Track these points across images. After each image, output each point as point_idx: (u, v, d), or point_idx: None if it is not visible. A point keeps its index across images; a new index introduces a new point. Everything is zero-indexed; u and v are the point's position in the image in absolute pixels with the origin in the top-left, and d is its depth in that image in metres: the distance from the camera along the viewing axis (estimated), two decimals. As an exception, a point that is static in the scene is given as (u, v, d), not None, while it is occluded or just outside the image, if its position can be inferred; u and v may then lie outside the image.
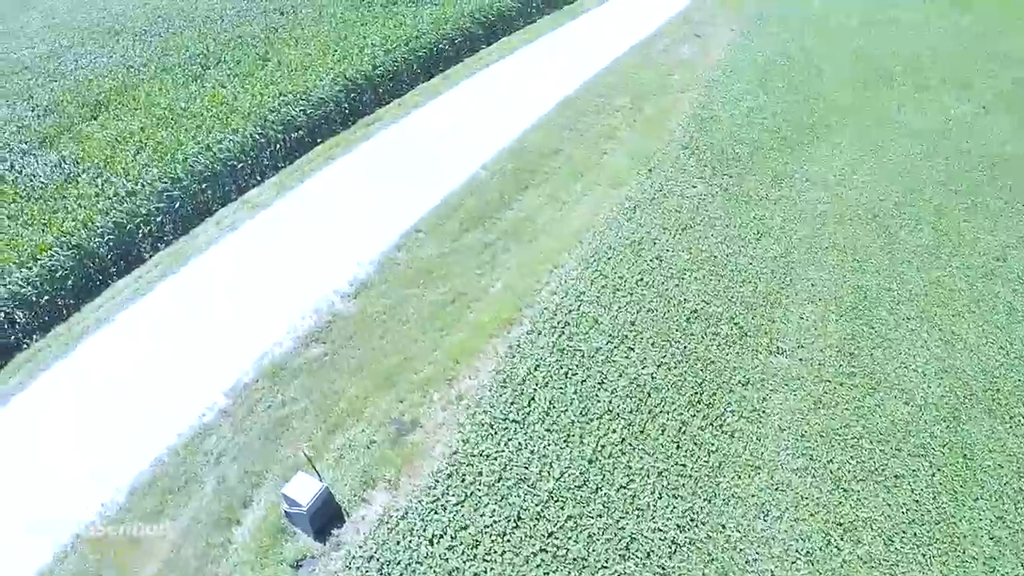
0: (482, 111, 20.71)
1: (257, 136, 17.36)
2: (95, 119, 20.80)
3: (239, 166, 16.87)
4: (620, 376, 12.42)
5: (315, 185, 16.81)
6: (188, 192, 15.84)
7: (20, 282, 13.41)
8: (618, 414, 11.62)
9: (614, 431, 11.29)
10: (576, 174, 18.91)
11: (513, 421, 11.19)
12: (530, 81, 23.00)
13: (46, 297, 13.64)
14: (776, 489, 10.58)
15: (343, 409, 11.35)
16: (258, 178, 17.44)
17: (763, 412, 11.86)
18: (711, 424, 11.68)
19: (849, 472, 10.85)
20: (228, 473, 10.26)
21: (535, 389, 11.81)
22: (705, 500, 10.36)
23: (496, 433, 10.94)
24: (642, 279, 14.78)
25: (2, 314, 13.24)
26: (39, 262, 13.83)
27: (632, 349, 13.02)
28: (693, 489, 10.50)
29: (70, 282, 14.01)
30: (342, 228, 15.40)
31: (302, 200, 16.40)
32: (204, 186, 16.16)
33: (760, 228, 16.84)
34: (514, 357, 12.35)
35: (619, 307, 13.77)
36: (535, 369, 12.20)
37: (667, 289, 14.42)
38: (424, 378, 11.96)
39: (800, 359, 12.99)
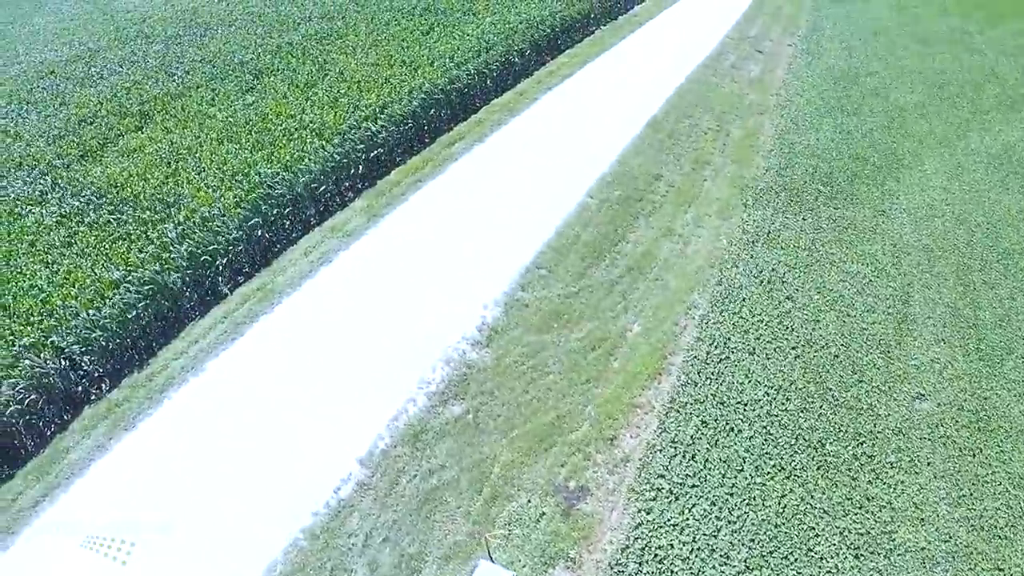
0: (569, 131, 19.25)
1: (338, 155, 15.64)
2: (140, 130, 18.93)
3: (320, 188, 15.11)
4: (783, 429, 11.13)
5: (409, 211, 15.13)
6: (267, 218, 14.05)
7: (88, 324, 11.51)
8: (792, 472, 10.40)
9: (791, 491, 10.10)
10: (682, 203, 17.65)
11: (692, 485, 9.87)
12: (609, 98, 21.62)
13: (117, 340, 11.75)
14: (943, 541, 9.65)
15: (499, 476, 9.75)
16: (338, 201, 15.70)
17: (918, 461, 10.79)
18: (878, 477, 10.56)
19: (1003, 519, 10.00)
20: (380, 559, 8.55)
21: (707, 448, 10.49)
22: (884, 557, 9.37)
23: (678, 499, 9.65)
24: (780, 322, 13.46)
25: (67, 360, 11.34)
26: (108, 300, 11.94)
27: (788, 399, 11.71)
28: (873, 547, 9.50)
29: (144, 322, 12.13)
30: (452, 263, 13.73)
31: (398, 228, 14.70)
32: (285, 211, 14.39)
33: (875, 265, 15.93)
34: (676, 413, 10.96)
35: (767, 354, 12.45)
36: (703, 426, 10.80)
37: (807, 332, 13.19)
38: (581, 437, 10.50)
39: (939, 404, 11.93)
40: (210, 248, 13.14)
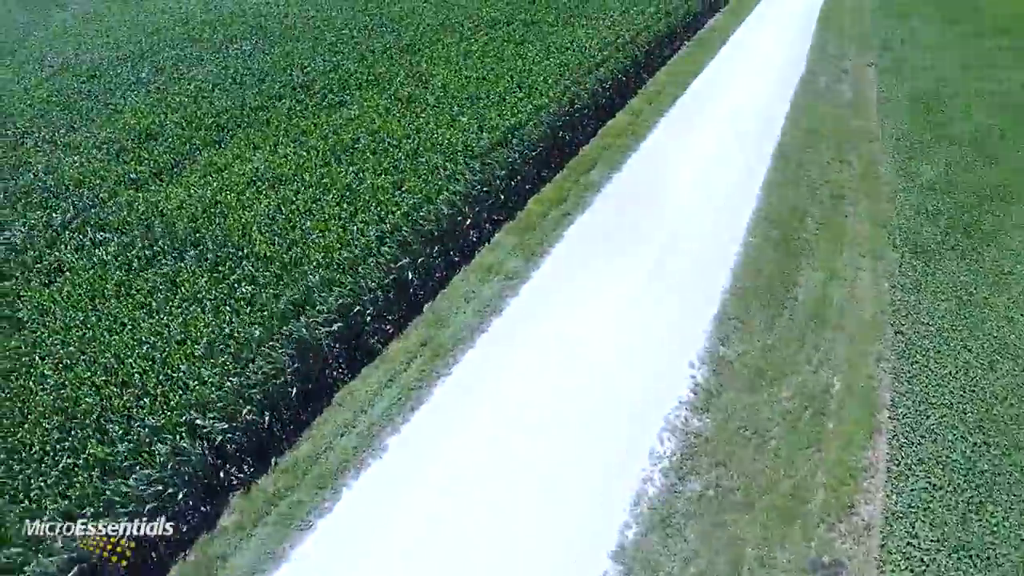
0: (699, 159, 17.44)
1: (478, 182, 13.57)
2: (218, 145, 16.60)
3: (465, 221, 13.01)
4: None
5: (568, 250, 13.10)
6: (416, 257, 11.89)
7: (232, 393, 9.18)
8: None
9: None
10: (835, 242, 16.25)
11: (937, 550, 8.47)
12: (728, 122, 19.94)
13: (262, 413, 9.44)
14: None
15: (753, 558, 8.16)
16: (474, 236, 13.60)
17: None
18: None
19: None
20: None
21: (944, 511, 8.94)
22: None
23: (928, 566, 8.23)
24: (965, 374, 12.08)
25: (206, 442, 8.99)
26: (249, 364, 9.63)
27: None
28: None
29: (293, 392, 9.83)
30: (637, 312, 11.74)
31: (563, 271, 12.65)
32: (434, 249, 12.23)
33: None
34: (904, 475, 9.75)
35: (963, 408, 11.10)
36: (933, 488, 9.32)
37: (988, 383, 11.77)
38: (820, 507, 9.38)
39: None
40: (361, 296, 10.91)
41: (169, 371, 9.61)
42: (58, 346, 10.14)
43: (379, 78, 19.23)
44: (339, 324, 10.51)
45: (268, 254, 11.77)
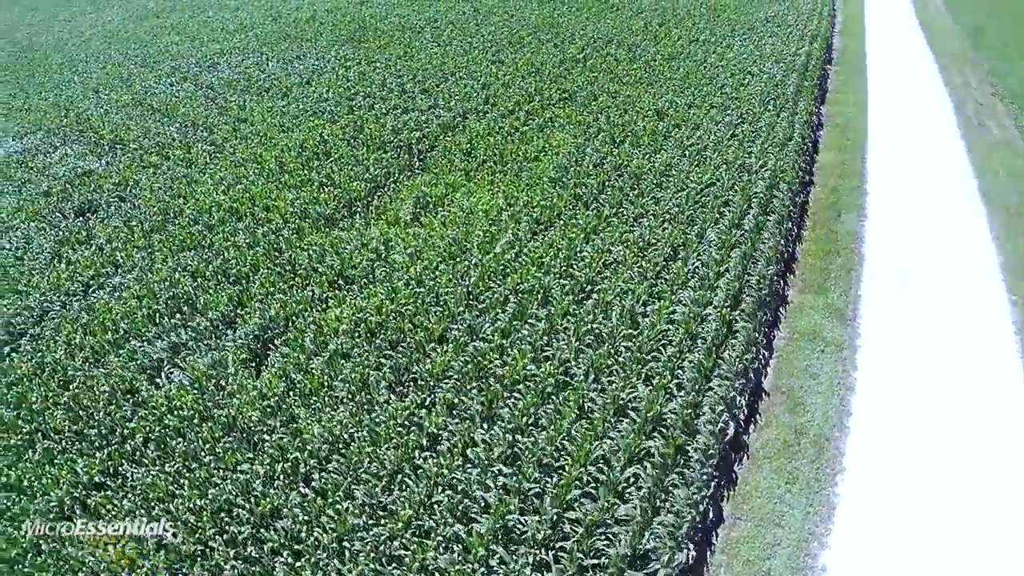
0: (919, 205, 15.16)
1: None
2: (413, 171, 13.79)
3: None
4: None
5: (878, 310, 10.70)
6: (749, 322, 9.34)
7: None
8: None
9: None
10: None
11: None
12: (917, 161, 17.82)
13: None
14: None
15: None
16: (764, 294, 11.11)
17: None
18: None
19: None
20: None
21: None
22: None
23: None
24: None
25: None
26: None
27: None
28: None
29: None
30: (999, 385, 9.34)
31: (888, 335, 10.25)
32: (759, 311, 9.72)
33: None
34: None
35: None
36: None
37: None
38: None
39: None
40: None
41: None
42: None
43: (578, 92, 16.74)
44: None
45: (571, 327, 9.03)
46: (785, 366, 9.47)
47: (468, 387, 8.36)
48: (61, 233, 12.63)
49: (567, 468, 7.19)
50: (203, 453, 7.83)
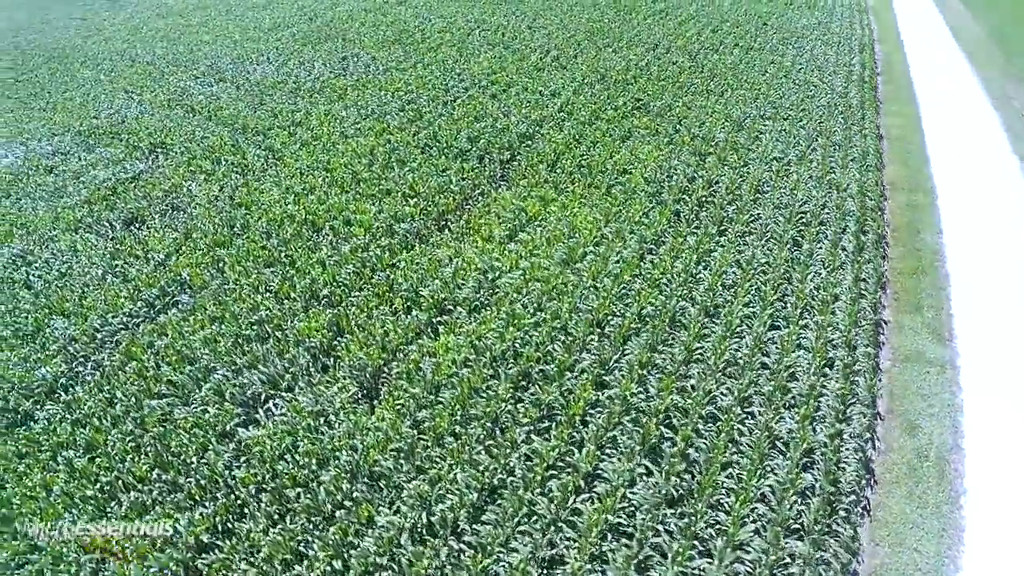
0: (987, 221, 14.51)
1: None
2: (504, 177, 12.83)
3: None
4: None
5: (974, 328, 9.99)
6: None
7: None
8: None
9: None
10: None
11: None
12: (993, 180, 17.26)
13: None
14: None
15: None
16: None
17: None
18: None
19: None
20: None
21: None
22: None
23: None
24: None
25: None
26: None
27: None
28: None
29: None
30: None
31: (983, 352, 9.53)
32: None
33: None
34: None
35: None
36: None
37: None
38: None
39: None
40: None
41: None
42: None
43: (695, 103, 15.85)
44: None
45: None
46: (896, 388, 9.06)
47: (617, 422, 7.44)
48: (110, 245, 11.49)
49: (735, 506, 6.66)
50: (331, 505, 6.75)
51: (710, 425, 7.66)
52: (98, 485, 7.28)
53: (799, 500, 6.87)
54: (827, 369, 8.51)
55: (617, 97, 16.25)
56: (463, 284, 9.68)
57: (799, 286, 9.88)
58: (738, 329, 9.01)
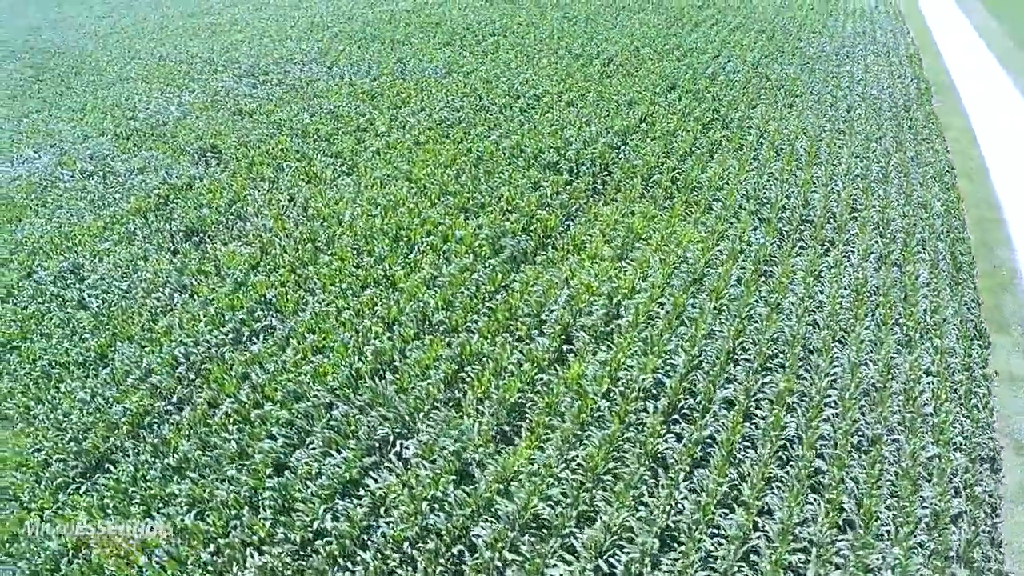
0: None
1: None
2: (601, 191, 11.94)
3: None
4: None
5: None
6: None
7: None
8: None
9: None
10: None
11: None
12: None
13: None
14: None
15: None
16: None
17: None
18: None
19: None
20: None
21: None
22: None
23: None
24: None
25: None
26: None
27: None
28: None
29: None
30: None
31: None
32: None
33: None
34: None
35: None
36: None
37: None
38: None
39: None
40: None
41: None
42: None
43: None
44: None
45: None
46: (1002, 407, 8.65)
47: (775, 454, 6.99)
48: (176, 261, 10.41)
49: (900, 536, 6.29)
50: (498, 563, 5.77)
51: (859, 454, 7.26)
52: (212, 547, 6.24)
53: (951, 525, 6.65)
54: (951, 392, 8.29)
55: (694, 108, 15.49)
56: (589, 308, 8.77)
57: (910, 309, 9.50)
58: (867, 355, 8.57)
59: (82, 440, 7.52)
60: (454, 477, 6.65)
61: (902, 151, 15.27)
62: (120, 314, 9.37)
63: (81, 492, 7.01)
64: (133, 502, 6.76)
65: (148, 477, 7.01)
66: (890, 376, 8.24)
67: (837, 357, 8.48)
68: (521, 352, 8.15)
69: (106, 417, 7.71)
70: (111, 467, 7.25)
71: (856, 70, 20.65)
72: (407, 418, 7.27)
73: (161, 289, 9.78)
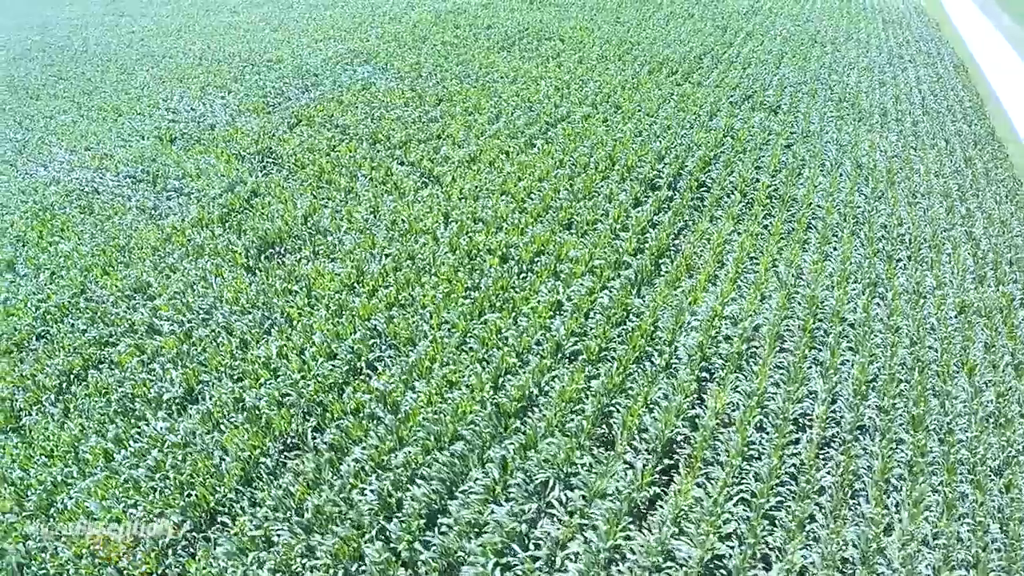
0: None
1: None
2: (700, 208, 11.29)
3: None
4: None
5: None
6: None
7: None
8: None
9: None
10: None
11: None
12: None
13: None
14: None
15: None
16: None
17: None
18: None
19: None
20: None
21: None
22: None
23: None
24: None
25: None
26: None
27: None
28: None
29: None
30: None
31: None
32: None
33: None
34: None
35: None
36: None
37: None
38: None
39: None
40: None
41: None
42: None
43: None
44: None
45: None
46: None
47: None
48: (257, 280, 9.50)
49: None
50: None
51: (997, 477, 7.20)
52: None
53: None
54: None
55: (772, 121, 14.95)
56: (718, 333, 8.12)
57: (1012, 330, 9.52)
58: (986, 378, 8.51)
59: (188, 490, 6.62)
60: (628, 518, 5.93)
61: (972, 166, 15.05)
62: (205, 342, 8.45)
63: (196, 556, 6.12)
64: (264, 567, 5.90)
65: (278, 532, 6.15)
66: (1012, 399, 8.17)
67: (957, 381, 8.38)
68: (665, 382, 7.47)
69: (209, 463, 6.82)
70: (229, 522, 6.37)
71: (909, 80, 20.39)
72: (562, 459, 6.50)
73: (251, 312, 8.88)
